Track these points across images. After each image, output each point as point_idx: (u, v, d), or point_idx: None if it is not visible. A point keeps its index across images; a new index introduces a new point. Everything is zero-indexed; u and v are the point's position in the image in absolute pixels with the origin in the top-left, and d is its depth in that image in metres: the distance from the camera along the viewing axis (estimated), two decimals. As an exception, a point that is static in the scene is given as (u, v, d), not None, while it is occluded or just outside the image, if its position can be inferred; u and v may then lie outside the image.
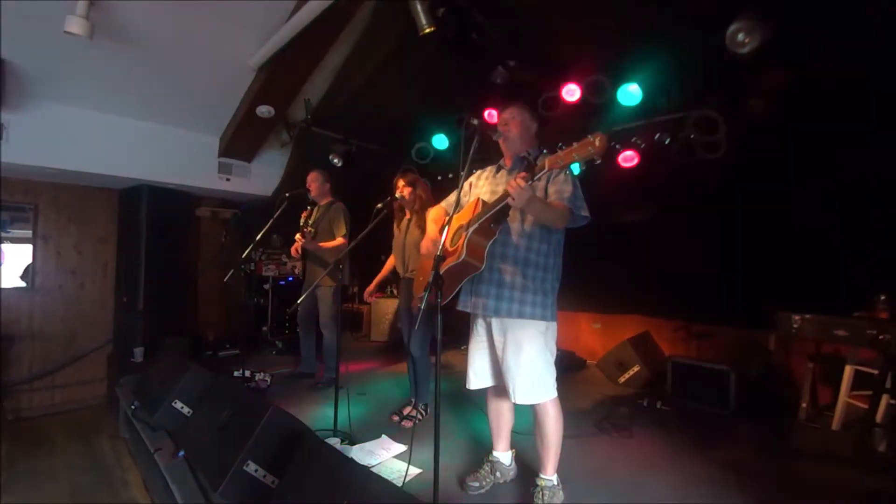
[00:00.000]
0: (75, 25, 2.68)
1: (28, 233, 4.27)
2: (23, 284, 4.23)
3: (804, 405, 3.21)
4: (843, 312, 2.87)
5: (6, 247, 4.18)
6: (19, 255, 4.25)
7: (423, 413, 3.06)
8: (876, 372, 2.72)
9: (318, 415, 3.08)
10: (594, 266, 4.16)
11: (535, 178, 1.71)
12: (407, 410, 3.13)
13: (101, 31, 2.88)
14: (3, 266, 4.12)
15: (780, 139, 3.13)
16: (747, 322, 3.82)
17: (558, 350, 2.08)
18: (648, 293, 4.35)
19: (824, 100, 2.80)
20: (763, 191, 3.42)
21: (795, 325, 2.99)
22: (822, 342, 3.23)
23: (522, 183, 1.65)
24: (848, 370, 2.99)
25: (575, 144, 1.57)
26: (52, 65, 3.33)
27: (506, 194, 1.73)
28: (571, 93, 3.52)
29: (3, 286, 4.08)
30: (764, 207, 3.46)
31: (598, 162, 1.55)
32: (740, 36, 2.35)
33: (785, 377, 3.71)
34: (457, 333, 4.91)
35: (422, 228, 3.00)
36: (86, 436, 3.67)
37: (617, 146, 3.83)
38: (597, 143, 1.51)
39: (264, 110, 4.02)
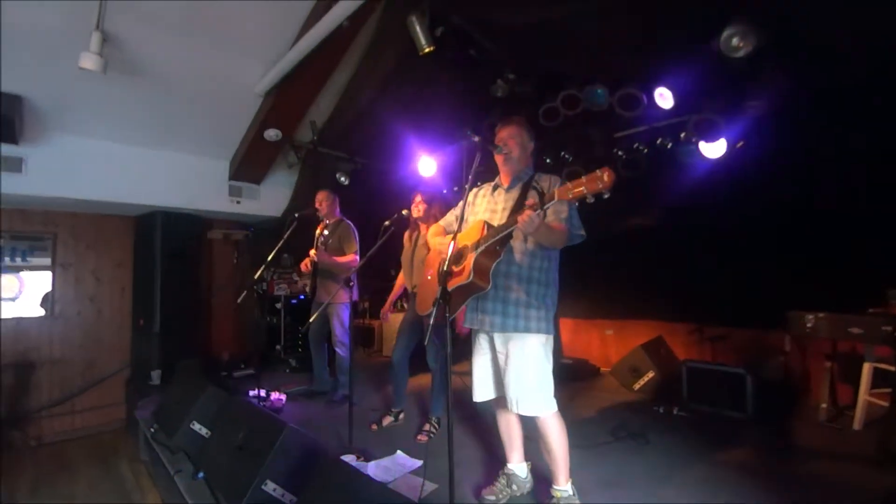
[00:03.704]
0: (89, 61, 2.79)
1: (47, 261, 4.39)
2: (42, 312, 4.33)
3: (824, 405, 3.16)
4: (857, 309, 2.84)
5: (25, 275, 4.29)
6: (39, 284, 4.36)
7: (436, 426, 3.06)
8: (894, 368, 2.68)
9: (332, 432, 3.10)
10: (605, 273, 4.16)
11: (544, 207, 1.76)
12: (386, 420, 3.21)
13: (113, 65, 2.99)
14: (22, 294, 4.23)
15: (788, 139, 3.13)
16: (761, 323, 3.78)
17: (571, 358, 2.10)
18: (660, 297, 4.33)
19: (832, 98, 2.81)
20: (772, 191, 3.41)
21: (809, 325, 2.96)
22: (837, 340, 3.18)
23: (532, 214, 1.71)
24: (866, 368, 2.94)
25: (583, 178, 1.61)
26: (67, 99, 3.46)
27: (515, 223, 1.78)
28: (571, 102, 3.55)
29: (23, 315, 4.19)
30: (773, 207, 3.45)
31: (607, 196, 1.58)
32: (734, 41, 2.38)
33: (802, 377, 3.66)
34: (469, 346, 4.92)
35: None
36: (106, 459, 3.72)
37: (620, 153, 3.85)
38: (605, 177, 1.55)
39: (272, 134, 4.12)
